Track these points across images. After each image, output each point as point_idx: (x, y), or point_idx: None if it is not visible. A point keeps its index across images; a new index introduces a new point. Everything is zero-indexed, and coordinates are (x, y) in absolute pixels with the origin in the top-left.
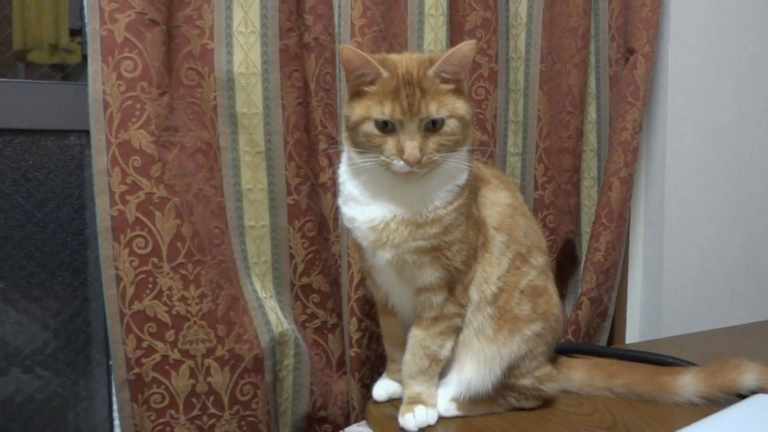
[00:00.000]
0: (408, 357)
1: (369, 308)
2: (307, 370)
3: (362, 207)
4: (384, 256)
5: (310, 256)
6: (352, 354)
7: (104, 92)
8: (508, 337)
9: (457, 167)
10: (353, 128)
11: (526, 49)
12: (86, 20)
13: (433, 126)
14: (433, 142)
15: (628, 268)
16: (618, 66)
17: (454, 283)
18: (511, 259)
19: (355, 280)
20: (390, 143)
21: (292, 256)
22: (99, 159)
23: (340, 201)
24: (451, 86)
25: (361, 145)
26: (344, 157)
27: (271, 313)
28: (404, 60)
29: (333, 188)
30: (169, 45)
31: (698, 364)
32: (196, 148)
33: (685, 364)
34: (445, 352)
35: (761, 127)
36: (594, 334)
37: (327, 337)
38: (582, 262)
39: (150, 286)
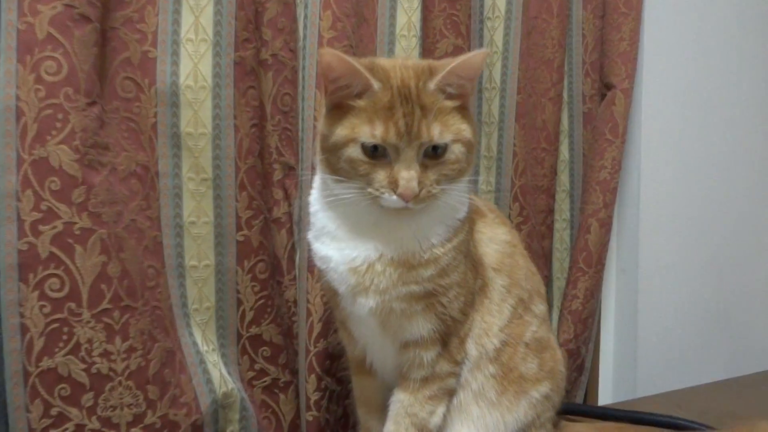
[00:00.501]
0: (390, 427)
1: (330, 363)
2: None
3: (339, 244)
4: (366, 303)
5: (260, 302)
6: (309, 418)
7: (18, 98)
8: (513, 400)
9: (458, 199)
10: (332, 151)
11: (501, 79)
12: (1, 10)
13: (434, 152)
14: (433, 172)
15: (600, 319)
16: (592, 102)
17: (449, 336)
18: (513, 306)
19: (315, 331)
20: (380, 173)
21: (239, 302)
22: (6, 179)
23: (310, 236)
24: (456, 103)
25: (342, 173)
26: (317, 183)
27: (214, 369)
28: (398, 68)
29: (288, 224)
30: (103, 48)
31: (714, 426)
32: (129, 172)
33: (702, 428)
34: (435, 420)
35: (733, 172)
36: (570, 390)
37: (278, 397)
38: (555, 311)
39: (64, 338)
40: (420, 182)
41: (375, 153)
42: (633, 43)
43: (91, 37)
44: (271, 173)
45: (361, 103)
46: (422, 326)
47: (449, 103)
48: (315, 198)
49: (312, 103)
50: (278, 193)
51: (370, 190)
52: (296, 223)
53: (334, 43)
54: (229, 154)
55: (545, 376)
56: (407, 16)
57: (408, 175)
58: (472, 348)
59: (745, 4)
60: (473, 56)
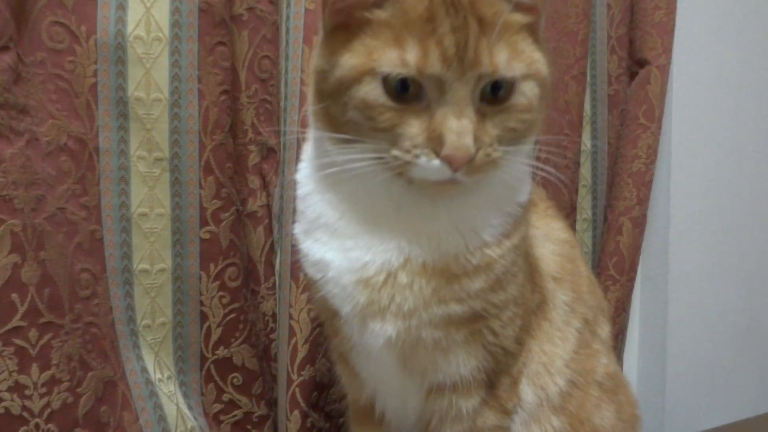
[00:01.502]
0: None
1: (318, 395)
2: None
3: (343, 242)
4: (382, 331)
5: (231, 316)
6: None
7: None
8: None
9: (520, 173)
10: (334, 94)
11: None
12: None
13: (493, 94)
14: (494, 124)
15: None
16: (619, 83)
17: (498, 376)
18: (579, 330)
19: (300, 355)
20: (413, 124)
21: (204, 317)
22: None
23: (298, 230)
24: (528, 18)
25: (350, 128)
26: (309, 152)
27: (169, 403)
28: None
29: (267, 220)
30: None
31: None
32: (58, 145)
33: None
34: None
35: None
36: None
37: None
38: None
39: None
40: (477, 138)
41: (404, 93)
42: (669, 12)
43: None
44: (246, 156)
45: (381, 14)
46: (463, 363)
47: (519, 17)
48: (305, 174)
49: (299, 63)
50: (254, 181)
51: (395, 152)
52: (276, 217)
53: None
54: (191, 127)
55: (624, 428)
56: None
57: (459, 126)
58: (527, 391)
59: None
60: None
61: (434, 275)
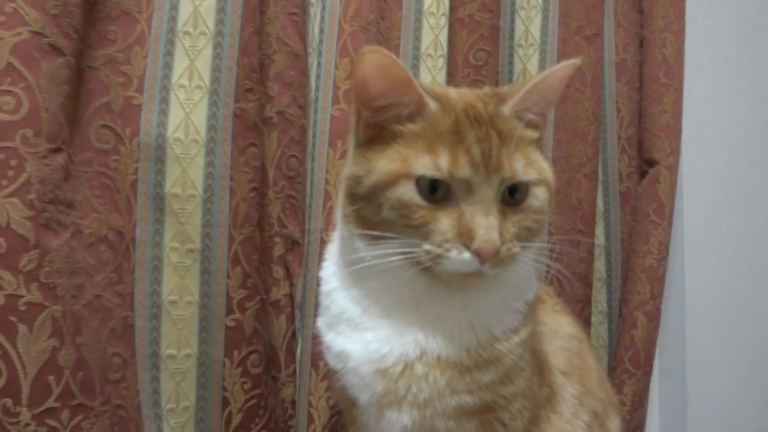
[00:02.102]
0: None
1: None
2: None
3: (363, 334)
4: (398, 420)
5: (252, 402)
6: None
7: None
8: None
9: (529, 272)
10: (369, 197)
11: None
12: None
13: (511, 197)
14: (512, 223)
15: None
16: (630, 181)
17: None
18: (588, 423)
19: None
20: (444, 222)
21: (226, 402)
22: None
23: (322, 323)
24: (537, 134)
25: (384, 226)
26: (335, 251)
27: None
28: (453, 91)
29: (289, 308)
30: (77, 90)
31: None
32: (98, 237)
33: None
34: None
35: None
36: None
37: None
38: None
39: None
40: (500, 234)
41: (432, 194)
42: (676, 115)
43: (61, 72)
44: (272, 247)
45: (413, 127)
46: None
47: (530, 133)
48: (330, 272)
49: (324, 164)
50: (278, 271)
51: (427, 247)
52: (299, 306)
53: (352, 95)
54: (221, 221)
55: None
56: (431, 75)
57: (487, 223)
58: None
59: None
60: (558, 69)
61: (448, 367)
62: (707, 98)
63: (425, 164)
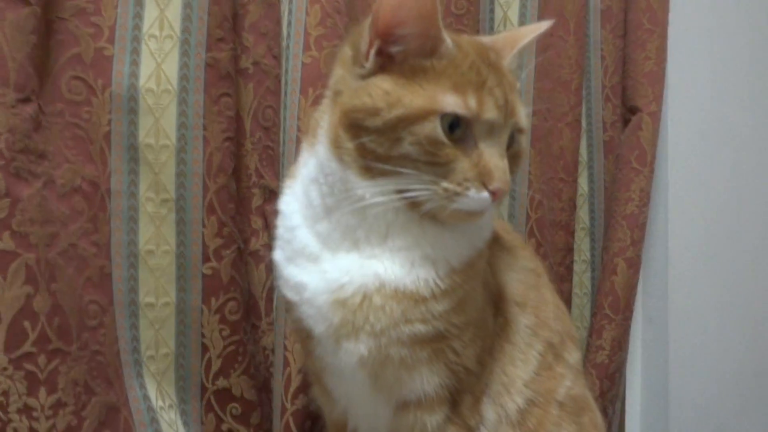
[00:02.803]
0: None
1: (311, 424)
2: None
3: (322, 266)
4: (355, 350)
5: (230, 348)
6: None
7: None
8: None
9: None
10: (388, 129)
11: None
12: None
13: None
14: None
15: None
16: (614, 130)
17: (460, 394)
18: (542, 353)
19: (294, 384)
20: (464, 160)
21: (205, 348)
22: None
23: (280, 257)
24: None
25: (399, 161)
26: (301, 187)
27: (169, 430)
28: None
29: (268, 258)
30: (46, 41)
31: None
32: (72, 187)
33: None
34: None
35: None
36: None
37: None
38: None
39: None
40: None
41: (453, 134)
42: (659, 62)
43: (28, 22)
44: (250, 198)
45: (435, 63)
46: (427, 380)
47: (518, 87)
48: (293, 208)
49: (296, 112)
50: (257, 222)
51: (446, 185)
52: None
53: (323, 42)
54: (195, 170)
55: None
56: None
57: (504, 165)
58: (489, 409)
59: None
60: (541, 25)
61: (404, 298)
62: (694, 45)
63: (456, 103)
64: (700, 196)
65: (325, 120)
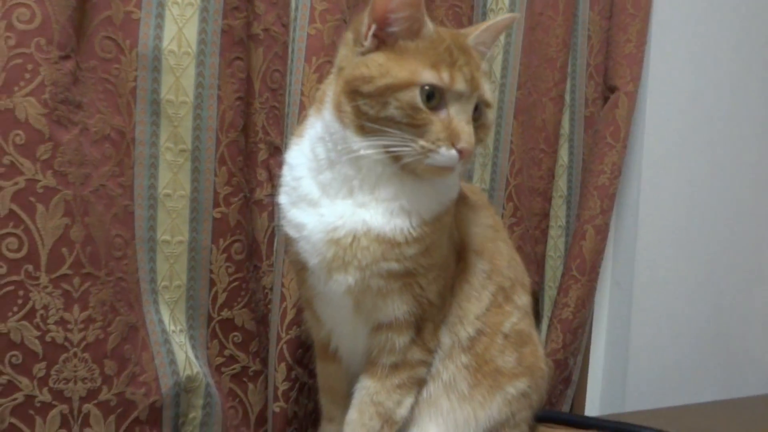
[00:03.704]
0: (353, 415)
1: (303, 353)
2: (218, 427)
3: (320, 210)
4: (344, 281)
5: (234, 284)
6: (276, 409)
7: None
8: (487, 395)
9: (456, 174)
10: (377, 95)
11: (502, 73)
12: None
13: (474, 113)
14: (475, 132)
15: (591, 330)
16: (595, 106)
17: (423, 321)
18: (494, 294)
19: (289, 317)
20: (437, 123)
21: (212, 283)
22: None
23: (285, 201)
24: (486, 68)
25: (385, 122)
26: (308, 143)
27: (180, 351)
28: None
29: (270, 207)
30: (83, 4)
31: None
32: (103, 135)
33: None
34: (402, 412)
35: (737, 185)
36: (555, 403)
37: (247, 386)
38: (545, 320)
39: (19, 302)
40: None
41: (429, 102)
42: (639, 45)
43: None
44: (256, 152)
45: (417, 44)
46: (398, 307)
47: (485, 66)
48: (299, 161)
49: (300, 77)
50: (262, 174)
51: (422, 143)
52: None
53: (326, 16)
54: (210, 125)
55: (524, 372)
56: None
57: (469, 129)
58: (445, 336)
59: (754, 10)
60: (506, 17)
61: (384, 241)
62: (677, 30)
63: (432, 76)
64: (672, 172)
65: (330, 90)
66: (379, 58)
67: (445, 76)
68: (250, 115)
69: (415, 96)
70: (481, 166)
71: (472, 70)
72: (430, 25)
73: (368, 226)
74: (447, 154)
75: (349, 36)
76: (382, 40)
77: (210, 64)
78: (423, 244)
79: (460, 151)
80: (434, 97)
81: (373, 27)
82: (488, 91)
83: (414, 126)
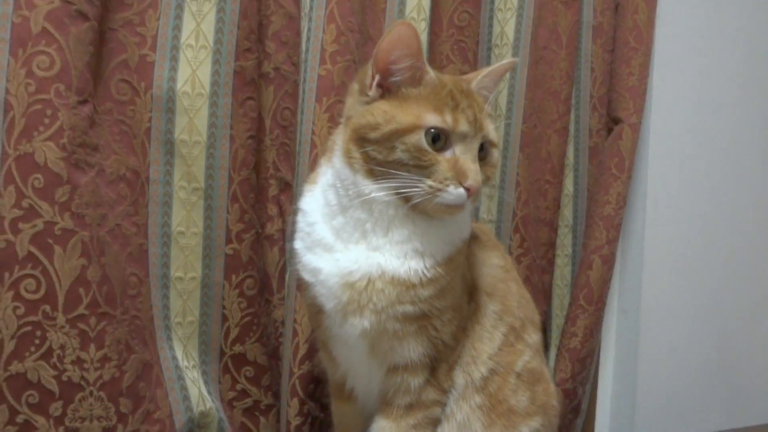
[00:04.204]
0: None
1: (315, 387)
2: None
3: (335, 255)
4: (359, 324)
5: (246, 319)
6: None
7: (7, 91)
8: None
9: (467, 214)
10: (384, 141)
11: (507, 107)
12: None
13: (480, 152)
14: (481, 171)
15: (599, 359)
16: (599, 137)
17: (438, 362)
18: (505, 333)
19: (301, 352)
20: (444, 164)
21: (225, 318)
22: None
23: (300, 246)
24: (489, 111)
25: (394, 165)
26: (321, 190)
27: (193, 386)
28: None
29: (281, 242)
30: (99, 49)
31: None
32: (118, 175)
33: None
34: None
35: (741, 216)
36: None
37: (258, 420)
38: (553, 349)
39: (36, 342)
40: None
41: (435, 144)
42: (642, 78)
43: (87, 35)
44: (267, 188)
45: (417, 91)
46: (413, 349)
47: (487, 107)
48: (313, 207)
49: (311, 117)
50: (272, 209)
51: (430, 182)
52: (289, 240)
53: (337, 57)
54: (222, 164)
55: (537, 410)
56: None
57: (475, 167)
58: (459, 376)
59: (756, 43)
60: (505, 63)
61: (399, 284)
62: (678, 64)
63: (436, 119)
64: (676, 202)
65: (339, 139)
66: (384, 106)
67: (449, 118)
68: (261, 152)
69: (421, 138)
70: (488, 197)
71: (474, 112)
72: (431, 73)
73: (383, 269)
74: (455, 192)
75: (354, 87)
76: (387, 89)
77: (223, 104)
78: (437, 286)
79: (467, 189)
80: (440, 139)
81: (377, 77)
82: (492, 131)
83: (421, 167)
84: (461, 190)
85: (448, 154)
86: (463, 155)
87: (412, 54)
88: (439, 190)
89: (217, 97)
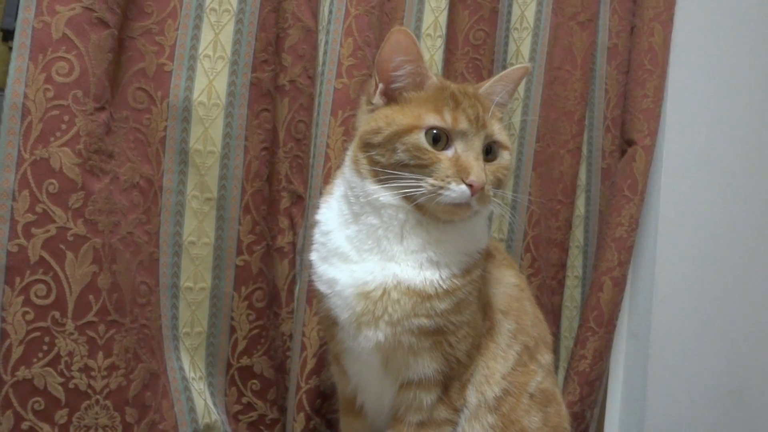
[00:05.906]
0: None
1: (321, 403)
2: None
3: (351, 266)
4: (373, 336)
5: (255, 331)
6: None
7: (26, 96)
8: None
9: (484, 227)
10: (385, 143)
11: (521, 126)
12: (19, 9)
13: (487, 154)
14: (490, 172)
15: (607, 382)
16: (612, 158)
17: (451, 380)
18: (519, 353)
19: (309, 366)
20: (445, 162)
21: (233, 330)
22: (4, 177)
23: (316, 257)
24: (501, 114)
25: (396, 166)
26: (336, 198)
27: (199, 398)
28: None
29: (291, 255)
30: (118, 56)
31: None
32: (132, 183)
33: None
34: None
35: (755, 240)
36: None
37: None
38: (561, 371)
39: (44, 347)
40: (485, 175)
41: (436, 144)
42: (656, 100)
43: (107, 42)
44: (279, 200)
45: (418, 94)
46: (427, 365)
47: (497, 111)
48: (328, 217)
49: (326, 130)
50: (284, 222)
51: (432, 181)
52: (299, 253)
53: (353, 71)
54: (236, 174)
55: None
56: (429, 54)
57: (478, 164)
58: (471, 395)
59: None
60: (516, 69)
61: (414, 295)
62: (693, 87)
63: (435, 118)
64: (688, 226)
65: (350, 151)
66: (385, 111)
67: (448, 117)
68: (274, 164)
69: (420, 138)
70: (499, 217)
71: (477, 111)
72: (433, 77)
73: (398, 279)
74: (457, 189)
75: (362, 99)
76: (392, 97)
77: (238, 115)
78: (454, 299)
79: (470, 185)
80: (441, 139)
81: (380, 86)
82: (499, 131)
83: (422, 166)
84: (463, 187)
85: (449, 152)
86: (465, 152)
87: (411, 59)
88: (441, 188)
89: (232, 108)
